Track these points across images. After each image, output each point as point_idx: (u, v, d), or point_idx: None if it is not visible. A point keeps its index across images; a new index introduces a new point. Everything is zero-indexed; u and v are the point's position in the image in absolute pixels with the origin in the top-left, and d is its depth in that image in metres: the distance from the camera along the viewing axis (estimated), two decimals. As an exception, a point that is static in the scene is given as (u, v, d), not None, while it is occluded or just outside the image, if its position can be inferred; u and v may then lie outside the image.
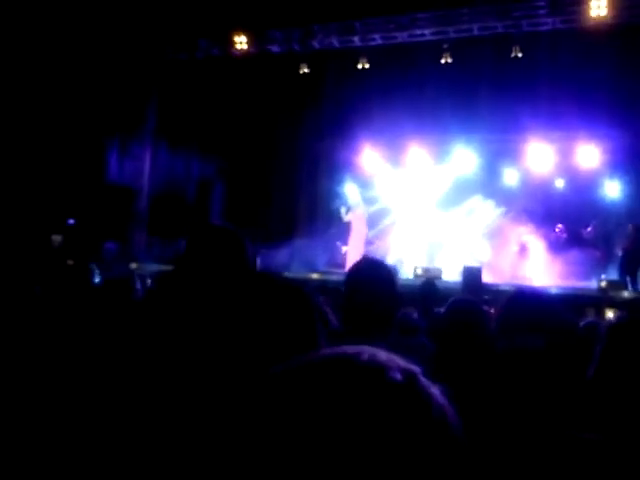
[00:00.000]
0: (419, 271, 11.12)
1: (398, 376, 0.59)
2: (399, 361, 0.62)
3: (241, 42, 12.99)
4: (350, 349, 0.63)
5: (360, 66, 12.65)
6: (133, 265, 12.02)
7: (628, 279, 10.67)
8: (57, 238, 11.20)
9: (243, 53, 13.10)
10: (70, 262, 10.50)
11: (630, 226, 11.30)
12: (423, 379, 0.62)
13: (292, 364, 0.62)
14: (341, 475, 0.54)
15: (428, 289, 6.11)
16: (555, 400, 1.63)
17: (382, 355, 0.62)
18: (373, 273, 2.24)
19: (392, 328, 2.22)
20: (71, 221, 12.55)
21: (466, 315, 2.72)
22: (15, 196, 10.97)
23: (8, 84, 11.17)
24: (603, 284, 10.01)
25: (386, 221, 14.29)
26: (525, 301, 2.25)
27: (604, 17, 10.84)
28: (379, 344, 0.69)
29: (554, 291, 9.09)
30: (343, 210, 12.53)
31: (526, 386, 1.65)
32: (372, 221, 13.40)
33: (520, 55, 11.65)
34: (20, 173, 11.37)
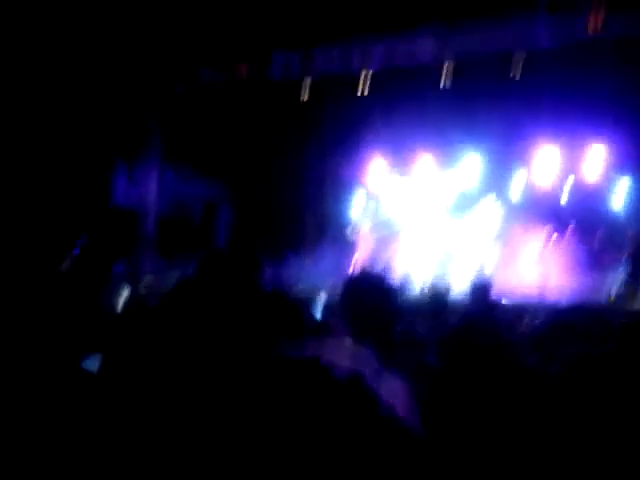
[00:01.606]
0: (427, 285, 11.05)
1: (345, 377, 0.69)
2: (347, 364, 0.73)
3: (242, 70, 13.17)
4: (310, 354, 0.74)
5: (360, 89, 12.68)
6: (142, 287, 12.03)
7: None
8: (66, 263, 11.24)
9: (244, 80, 13.25)
10: (79, 287, 10.52)
11: (631, 232, 11.24)
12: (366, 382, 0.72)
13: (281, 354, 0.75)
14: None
15: (437, 303, 6.08)
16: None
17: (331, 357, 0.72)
18: (366, 285, 2.23)
19: (392, 341, 2.20)
20: (77, 251, 12.59)
21: (481, 328, 2.70)
22: (22, 223, 11.04)
23: (10, 111, 11.30)
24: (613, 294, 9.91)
25: (393, 236, 14.24)
26: (577, 316, 2.26)
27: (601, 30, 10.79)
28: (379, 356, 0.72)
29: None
30: (349, 229, 12.55)
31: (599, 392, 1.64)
32: (380, 238, 13.35)
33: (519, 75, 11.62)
34: (26, 201, 11.45)
